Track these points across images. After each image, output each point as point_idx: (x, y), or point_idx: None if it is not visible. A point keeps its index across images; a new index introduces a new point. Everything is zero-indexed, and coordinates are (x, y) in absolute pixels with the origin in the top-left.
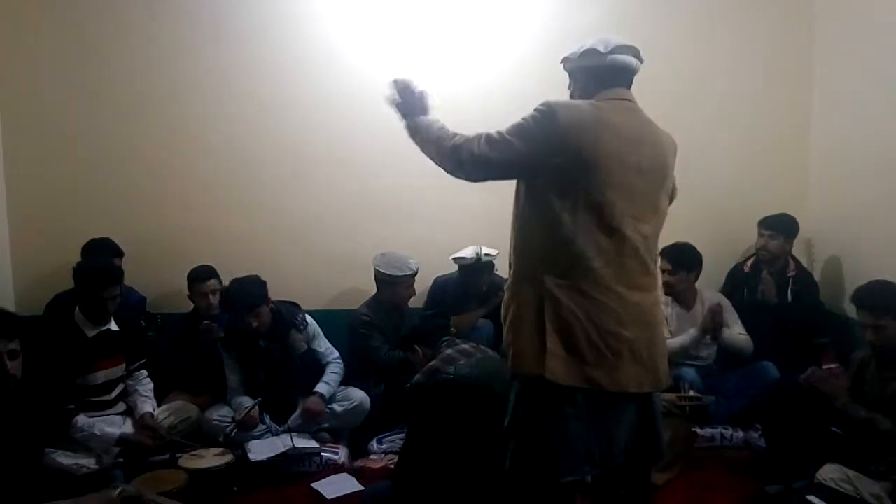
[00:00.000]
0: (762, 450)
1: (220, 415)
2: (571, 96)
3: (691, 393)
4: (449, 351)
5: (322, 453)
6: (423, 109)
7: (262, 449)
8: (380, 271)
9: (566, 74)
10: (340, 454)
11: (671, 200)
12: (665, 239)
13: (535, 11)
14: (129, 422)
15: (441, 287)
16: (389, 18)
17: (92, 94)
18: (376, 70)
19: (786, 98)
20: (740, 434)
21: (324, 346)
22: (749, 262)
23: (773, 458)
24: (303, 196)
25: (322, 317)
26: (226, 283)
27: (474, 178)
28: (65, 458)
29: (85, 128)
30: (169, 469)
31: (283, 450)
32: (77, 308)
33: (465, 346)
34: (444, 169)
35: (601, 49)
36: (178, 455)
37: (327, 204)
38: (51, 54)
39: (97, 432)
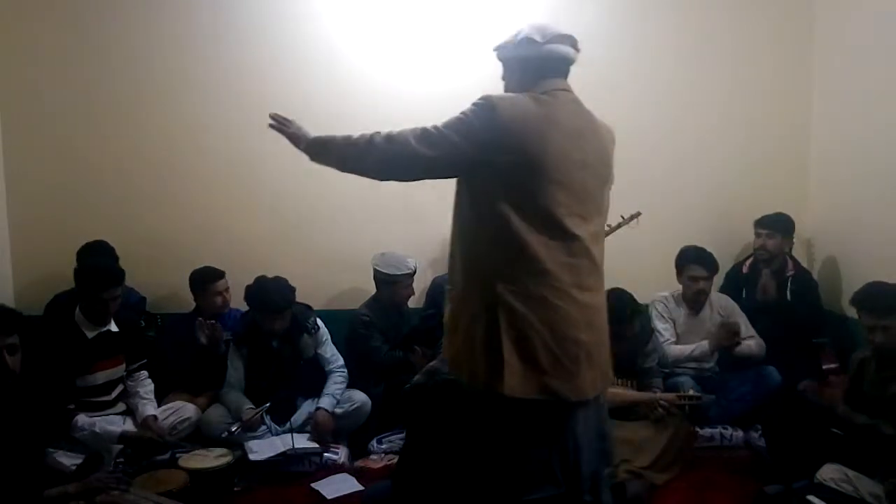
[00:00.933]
0: (762, 450)
1: (219, 415)
2: (506, 87)
3: (691, 392)
4: None
5: (322, 453)
6: (300, 137)
7: (262, 449)
8: (379, 271)
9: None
10: (340, 454)
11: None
12: (666, 239)
13: (536, 11)
14: (129, 422)
15: (440, 287)
16: (389, 18)
17: (92, 94)
18: (376, 70)
19: (786, 99)
20: (740, 434)
21: (329, 351)
22: (748, 263)
23: (773, 458)
24: (303, 196)
25: (322, 316)
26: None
27: (409, 178)
28: (65, 458)
29: (85, 128)
30: (169, 469)
31: (283, 450)
32: (77, 308)
33: None
34: (372, 174)
35: (538, 38)
36: (178, 455)
37: (327, 204)
38: (51, 54)
39: (98, 430)
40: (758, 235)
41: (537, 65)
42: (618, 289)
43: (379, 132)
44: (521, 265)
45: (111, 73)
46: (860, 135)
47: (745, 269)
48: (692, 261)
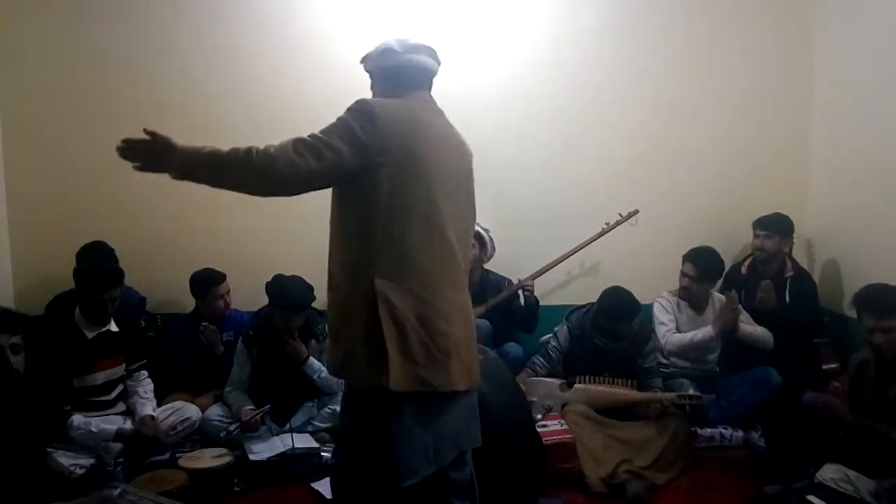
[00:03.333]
0: (762, 450)
1: (219, 415)
2: (373, 97)
3: (691, 392)
4: None
5: (322, 453)
6: (173, 145)
7: (262, 449)
8: None
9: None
10: None
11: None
12: (665, 239)
13: (539, 10)
14: (128, 422)
15: None
16: (390, 18)
17: (92, 95)
18: None
19: (786, 101)
20: (740, 434)
21: None
22: (746, 263)
23: (773, 458)
24: (302, 196)
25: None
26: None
27: (293, 192)
28: (64, 458)
29: (85, 128)
30: (169, 469)
31: (283, 450)
32: (77, 309)
33: None
34: (253, 193)
35: (397, 49)
36: (178, 455)
37: (327, 204)
38: (51, 56)
39: (94, 429)
40: (756, 236)
41: (398, 74)
42: (616, 287)
43: (252, 148)
44: (398, 262)
45: (111, 74)
46: (860, 136)
47: (743, 270)
48: (688, 257)
